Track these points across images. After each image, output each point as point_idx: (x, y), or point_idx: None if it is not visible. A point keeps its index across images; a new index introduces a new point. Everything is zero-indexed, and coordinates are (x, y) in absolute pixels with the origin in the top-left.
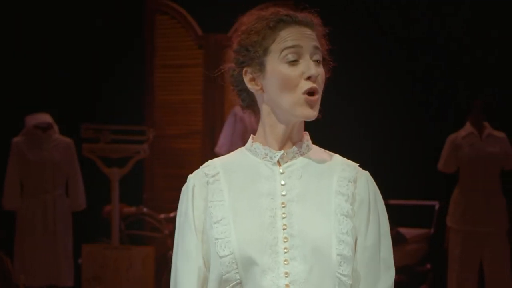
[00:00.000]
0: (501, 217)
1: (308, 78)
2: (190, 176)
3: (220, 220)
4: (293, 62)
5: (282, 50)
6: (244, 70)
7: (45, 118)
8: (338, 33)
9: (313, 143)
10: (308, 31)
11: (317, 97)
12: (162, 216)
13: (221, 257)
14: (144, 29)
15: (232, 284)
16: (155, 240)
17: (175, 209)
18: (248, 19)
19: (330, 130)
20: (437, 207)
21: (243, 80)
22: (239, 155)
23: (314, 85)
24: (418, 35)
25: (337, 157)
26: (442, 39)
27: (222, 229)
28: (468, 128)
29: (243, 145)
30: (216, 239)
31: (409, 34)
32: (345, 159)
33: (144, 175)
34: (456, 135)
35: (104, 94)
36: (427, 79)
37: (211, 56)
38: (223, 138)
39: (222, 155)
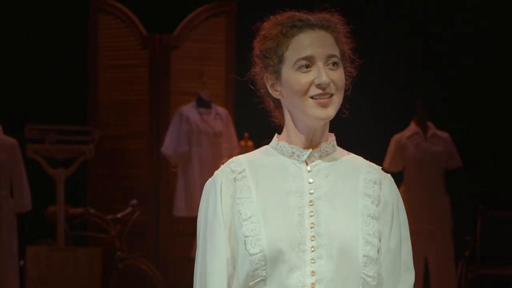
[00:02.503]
0: (445, 215)
1: (318, 85)
2: (216, 172)
3: (249, 217)
4: (306, 69)
5: (296, 61)
6: (265, 76)
7: None
8: None
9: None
10: (323, 36)
11: (329, 99)
12: (109, 217)
13: (251, 254)
14: (88, 29)
15: (257, 280)
16: (101, 241)
17: (120, 209)
18: (267, 24)
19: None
20: None
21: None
22: (264, 153)
23: (321, 91)
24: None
25: (361, 159)
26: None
27: (251, 226)
28: (412, 128)
29: (189, 145)
30: (246, 236)
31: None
32: (368, 161)
33: (88, 175)
34: (401, 134)
35: (49, 94)
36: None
37: (156, 56)
38: (169, 139)
39: (168, 155)
